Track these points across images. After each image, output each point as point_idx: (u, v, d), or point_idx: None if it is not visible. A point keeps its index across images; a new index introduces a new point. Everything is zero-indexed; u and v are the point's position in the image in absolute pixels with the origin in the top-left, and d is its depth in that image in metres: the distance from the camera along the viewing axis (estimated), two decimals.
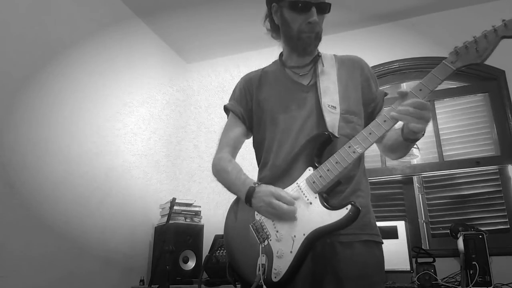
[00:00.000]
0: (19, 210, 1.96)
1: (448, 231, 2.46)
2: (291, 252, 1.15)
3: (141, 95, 3.05)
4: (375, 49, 3.10)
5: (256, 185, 1.24)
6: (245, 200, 1.24)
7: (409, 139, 1.18)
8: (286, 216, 1.17)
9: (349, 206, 1.12)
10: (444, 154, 2.82)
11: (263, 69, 1.52)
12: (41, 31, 2.23)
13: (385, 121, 1.15)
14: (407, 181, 2.89)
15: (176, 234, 2.67)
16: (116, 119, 2.75)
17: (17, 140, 2.00)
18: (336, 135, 1.24)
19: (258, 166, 1.43)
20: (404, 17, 3.12)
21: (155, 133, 3.17)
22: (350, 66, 1.41)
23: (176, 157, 3.41)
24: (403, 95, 1.14)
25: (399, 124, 1.18)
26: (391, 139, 1.29)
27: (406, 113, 1.10)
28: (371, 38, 3.17)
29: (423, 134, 1.16)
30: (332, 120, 1.26)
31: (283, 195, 1.17)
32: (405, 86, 3.12)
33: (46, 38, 2.26)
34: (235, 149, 1.45)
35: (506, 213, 2.59)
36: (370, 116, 1.38)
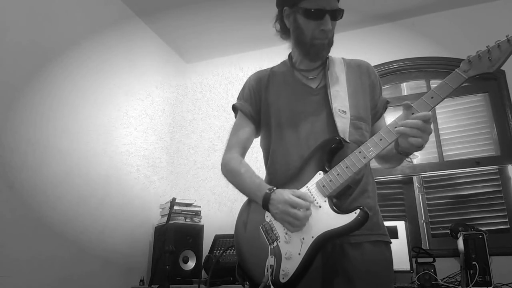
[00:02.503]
0: (19, 210, 1.96)
1: (448, 231, 2.47)
2: (299, 254, 1.16)
3: (141, 94, 3.05)
4: (375, 49, 3.10)
5: (272, 190, 1.23)
6: (262, 206, 1.25)
7: (404, 152, 1.18)
8: (302, 223, 1.16)
9: (358, 211, 1.13)
10: (444, 154, 2.82)
11: (271, 69, 1.51)
12: (41, 31, 2.23)
13: (396, 127, 1.15)
14: (407, 181, 2.89)
15: (176, 234, 2.66)
16: (116, 119, 2.74)
17: (17, 140, 2.00)
18: (347, 140, 1.24)
19: (265, 166, 1.42)
20: (404, 17, 3.12)
21: (155, 133, 3.17)
22: (358, 71, 1.42)
23: (176, 157, 3.41)
24: (408, 108, 1.14)
25: None
26: (384, 150, 1.30)
27: (415, 126, 1.09)
28: (371, 38, 3.17)
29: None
30: (343, 125, 1.27)
31: (298, 202, 1.16)
32: (405, 86, 3.12)
33: (46, 38, 2.25)
34: (244, 149, 1.44)
35: (506, 213, 2.59)
36: (371, 122, 1.39)
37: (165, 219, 2.70)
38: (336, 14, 1.32)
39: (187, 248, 2.70)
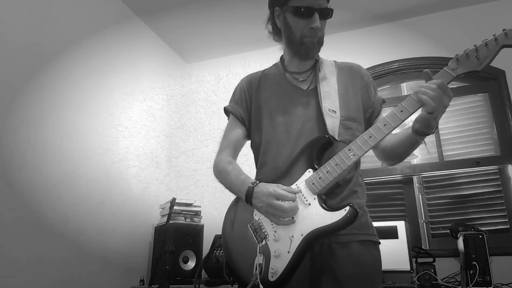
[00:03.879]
0: (19, 210, 1.96)
1: (448, 231, 2.46)
2: (288, 252, 1.15)
3: (140, 94, 3.05)
4: (375, 49, 3.10)
5: (255, 184, 1.23)
6: (246, 199, 1.25)
7: (420, 131, 1.16)
8: (288, 215, 1.16)
9: (347, 208, 1.13)
10: (444, 154, 2.82)
11: (263, 71, 1.52)
12: (41, 30, 2.23)
13: (385, 125, 1.16)
14: (407, 181, 2.88)
15: (176, 234, 2.66)
16: (116, 118, 2.74)
17: (17, 140, 2.00)
18: (337, 138, 1.25)
19: (256, 167, 1.43)
20: (404, 17, 3.12)
21: (154, 133, 3.17)
22: (349, 73, 1.43)
23: (176, 157, 3.41)
24: (428, 77, 1.14)
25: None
26: (391, 142, 1.30)
27: (430, 89, 1.09)
28: (371, 38, 3.17)
29: (433, 131, 1.15)
30: (333, 124, 1.28)
31: (283, 194, 1.17)
32: (405, 86, 3.12)
33: (46, 37, 2.25)
34: (235, 151, 1.46)
35: (506, 213, 2.59)
36: (367, 122, 1.40)
37: (165, 219, 2.70)
38: (325, 12, 1.32)
39: (187, 248, 2.70)
